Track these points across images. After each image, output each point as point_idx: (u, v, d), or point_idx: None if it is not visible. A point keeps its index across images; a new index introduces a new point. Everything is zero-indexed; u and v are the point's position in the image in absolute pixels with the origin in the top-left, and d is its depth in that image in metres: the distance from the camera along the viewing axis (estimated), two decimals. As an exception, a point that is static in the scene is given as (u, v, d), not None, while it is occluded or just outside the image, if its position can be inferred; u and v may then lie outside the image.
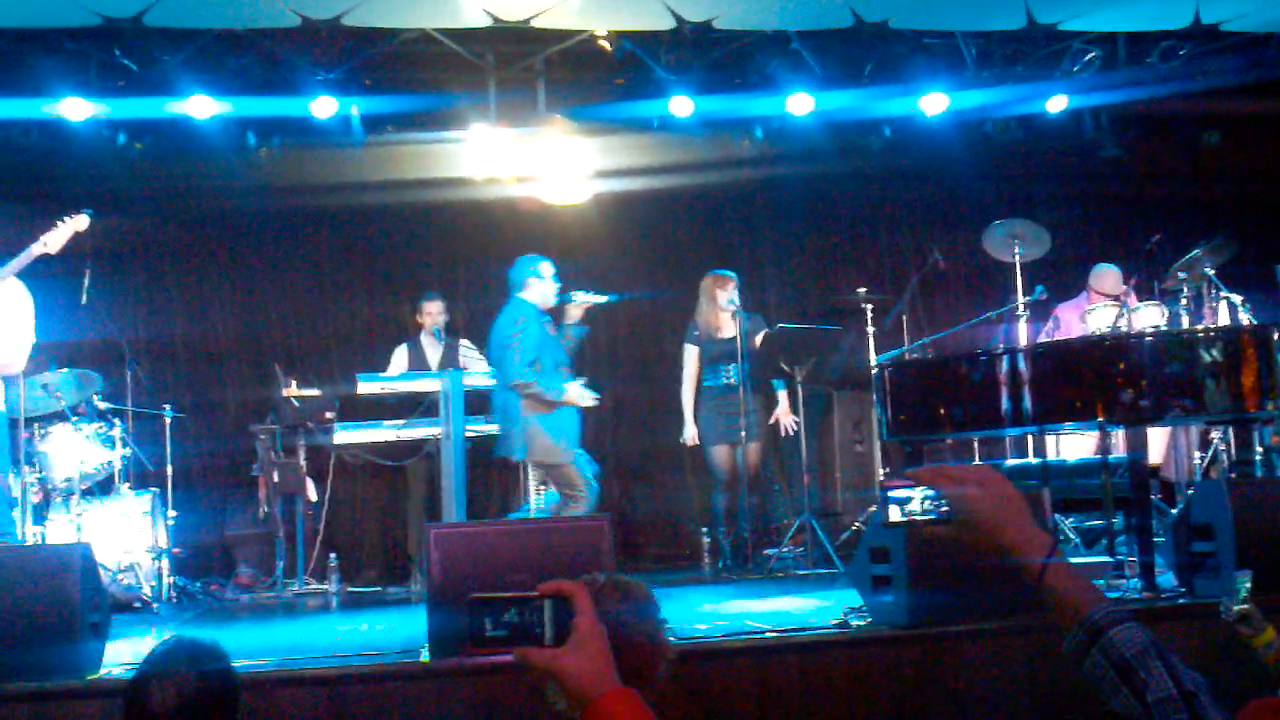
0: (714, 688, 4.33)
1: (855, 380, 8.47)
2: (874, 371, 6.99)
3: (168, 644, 2.63)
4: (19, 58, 7.55)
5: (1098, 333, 6.93)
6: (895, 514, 1.79)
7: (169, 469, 7.56)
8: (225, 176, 8.48)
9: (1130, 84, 8.31)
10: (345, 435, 7.67)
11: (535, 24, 7.39)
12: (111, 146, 8.21)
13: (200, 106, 7.84)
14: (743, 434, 7.69)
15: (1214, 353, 5.32)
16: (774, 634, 4.76)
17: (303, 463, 8.02)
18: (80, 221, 5.72)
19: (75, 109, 7.71)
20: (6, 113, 7.70)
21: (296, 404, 7.98)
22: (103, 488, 7.42)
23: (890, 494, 1.79)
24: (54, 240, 5.68)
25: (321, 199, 8.52)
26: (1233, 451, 7.06)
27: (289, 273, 9.29)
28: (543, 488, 7.81)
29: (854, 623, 4.87)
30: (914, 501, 1.78)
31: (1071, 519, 7.62)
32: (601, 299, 7.22)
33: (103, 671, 4.37)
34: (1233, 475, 6.78)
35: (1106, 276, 8.33)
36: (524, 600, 1.64)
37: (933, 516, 1.76)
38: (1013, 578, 1.72)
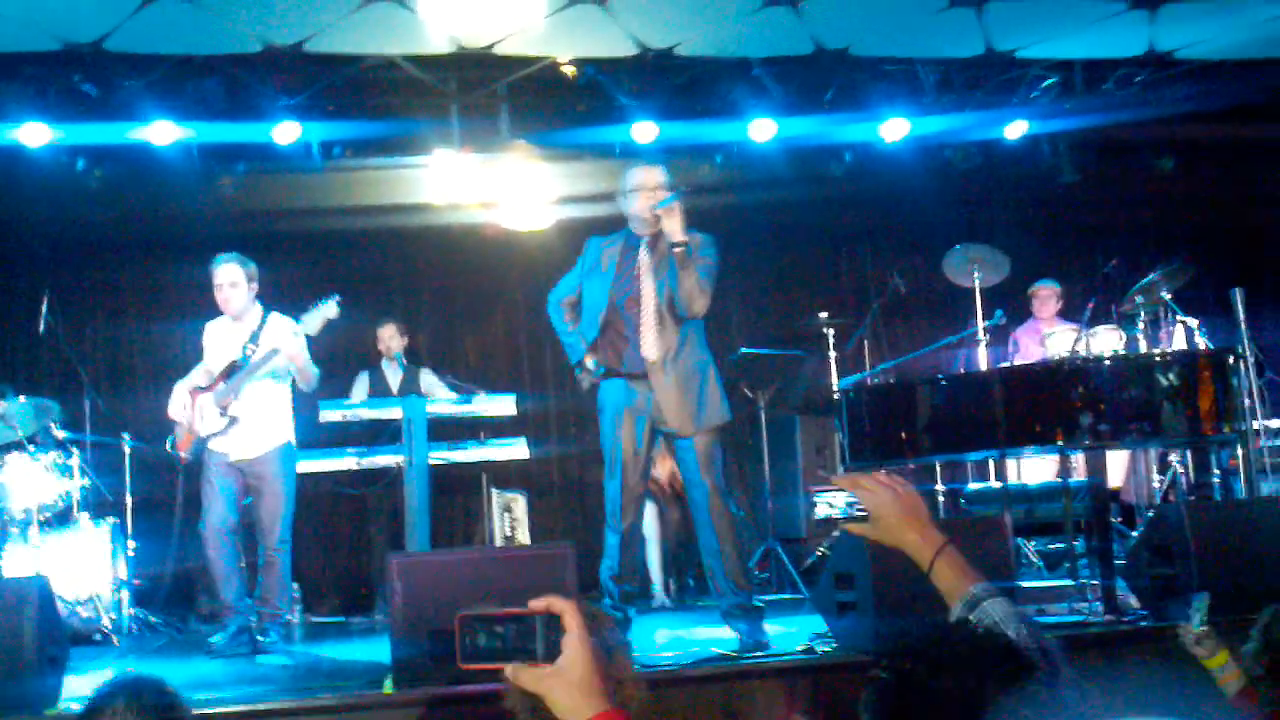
0: (681, 714, 4.32)
1: (818, 405, 8.49)
2: (836, 396, 7.01)
3: (109, 682, 2.56)
4: (-24, 83, 7.49)
5: (1056, 357, 7.00)
6: (822, 511, 2.05)
7: (128, 499, 7.47)
8: (187, 202, 8.43)
9: (1087, 110, 8.42)
10: (307, 464, 7.60)
11: (498, 50, 7.41)
12: (71, 173, 8.13)
13: (161, 132, 7.79)
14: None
15: (1171, 377, 5.38)
16: (740, 660, 4.76)
17: (264, 491, 7.94)
18: (330, 309, 5.96)
19: (34, 134, 7.63)
20: (-37, 138, 7.64)
21: (258, 432, 7.91)
22: (61, 518, 7.31)
23: (816, 496, 2.07)
24: (312, 324, 5.93)
25: (284, 225, 8.47)
26: (1191, 474, 7.15)
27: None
28: (508, 513, 7.76)
29: (820, 648, 4.88)
30: (837, 504, 2.10)
31: (1034, 542, 7.67)
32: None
33: (60, 706, 4.31)
34: (1192, 498, 6.86)
35: (1039, 293, 8.58)
36: (515, 618, 1.61)
37: (845, 516, 2.10)
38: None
